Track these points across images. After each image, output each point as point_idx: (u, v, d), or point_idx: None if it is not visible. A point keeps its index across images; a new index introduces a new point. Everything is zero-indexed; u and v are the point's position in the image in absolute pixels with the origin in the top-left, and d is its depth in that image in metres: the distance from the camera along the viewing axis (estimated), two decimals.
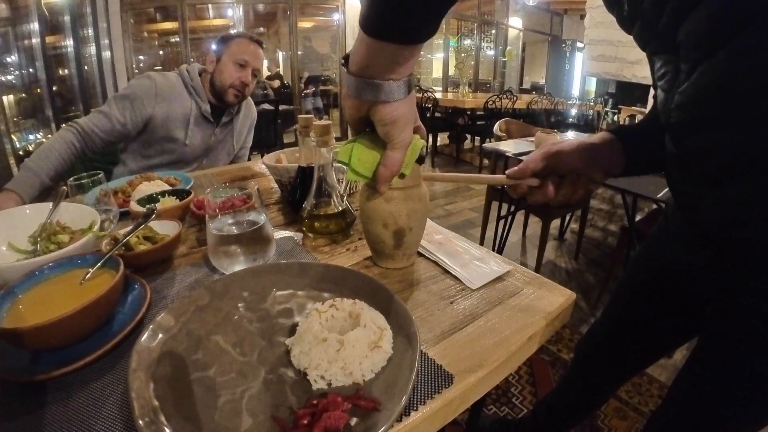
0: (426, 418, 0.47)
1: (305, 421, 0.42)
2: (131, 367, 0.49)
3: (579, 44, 9.66)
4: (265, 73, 9.28)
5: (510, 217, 2.67)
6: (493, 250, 2.70)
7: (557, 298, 0.69)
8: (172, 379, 0.50)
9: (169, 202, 1.00)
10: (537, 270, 2.63)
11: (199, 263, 0.81)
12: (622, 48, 5.30)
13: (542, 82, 10.99)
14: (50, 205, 0.89)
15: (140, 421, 0.42)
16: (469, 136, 6.69)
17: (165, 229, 0.86)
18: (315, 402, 0.45)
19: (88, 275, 0.63)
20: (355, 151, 0.56)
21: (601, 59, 5.64)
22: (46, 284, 0.63)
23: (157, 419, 0.43)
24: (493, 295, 0.70)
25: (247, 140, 1.99)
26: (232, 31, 1.65)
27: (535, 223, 3.23)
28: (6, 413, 0.49)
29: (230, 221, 0.75)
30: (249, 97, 1.87)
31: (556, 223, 3.33)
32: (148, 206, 0.86)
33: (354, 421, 0.43)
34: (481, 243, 2.94)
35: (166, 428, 0.42)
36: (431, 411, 0.48)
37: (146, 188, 1.15)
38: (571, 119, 6.34)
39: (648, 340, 0.98)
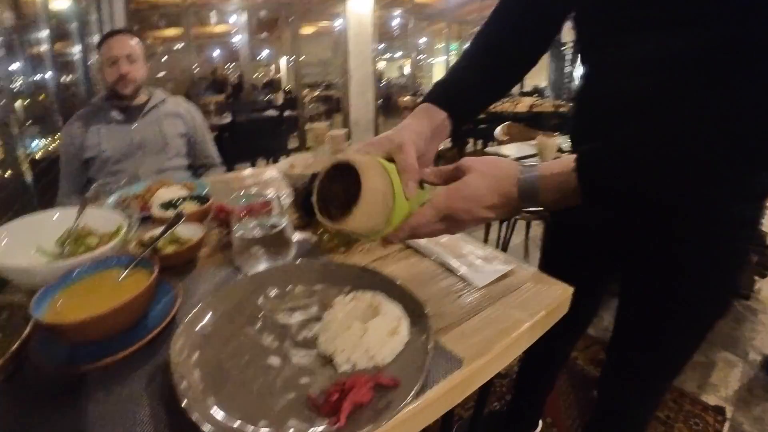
0: (439, 396, 0.53)
1: (334, 398, 0.48)
2: (173, 355, 0.54)
3: None
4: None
5: (513, 220, 2.71)
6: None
7: (556, 291, 0.75)
8: (211, 364, 0.56)
9: (190, 207, 1.06)
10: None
11: (222, 264, 0.87)
12: None
13: (543, 84, 11.03)
14: (76, 210, 0.93)
15: (185, 399, 0.47)
16: (471, 140, 6.73)
17: (187, 232, 0.91)
18: (342, 382, 0.51)
19: (123, 275, 0.67)
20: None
21: None
22: (83, 283, 0.67)
23: (204, 399, 0.49)
24: (497, 290, 0.75)
25: (204, 148, 2.10)
26: None
27: (537, 225, 3.28)
28: (51, 402, 0.53)
29: (252, 225, 0.81)
30: (179, 97, 2.08)
31: None
32: (177, 210, 0.91)
33: (376, 397, 0.49)
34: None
35: (212, 407, 0.48)
36: (443, 390, 0.53)
37: (165, 194, 1.20)
38: None
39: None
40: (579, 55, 0.91)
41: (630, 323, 1.00)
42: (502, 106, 5.64)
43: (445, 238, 0.95)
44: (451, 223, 0.63)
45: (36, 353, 0.57)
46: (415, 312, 0.62)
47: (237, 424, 0.47)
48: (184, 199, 1.11)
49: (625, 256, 0.98)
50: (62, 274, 0.66)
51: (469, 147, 6.72)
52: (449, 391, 0.54)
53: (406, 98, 6.92)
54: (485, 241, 3.02)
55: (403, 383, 0.51)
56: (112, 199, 1.31)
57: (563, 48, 10.61)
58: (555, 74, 10.94)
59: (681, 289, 0.86)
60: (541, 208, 0.65)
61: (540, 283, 0.78)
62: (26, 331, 0.59)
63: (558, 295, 0.73)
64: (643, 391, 1.05)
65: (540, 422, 1.66)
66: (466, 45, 0.86)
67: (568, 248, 1.15)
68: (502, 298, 0.73)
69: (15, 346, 0.57)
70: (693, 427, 1.68)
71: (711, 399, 1.82)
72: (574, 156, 0.59)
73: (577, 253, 1.11)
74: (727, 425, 1.69)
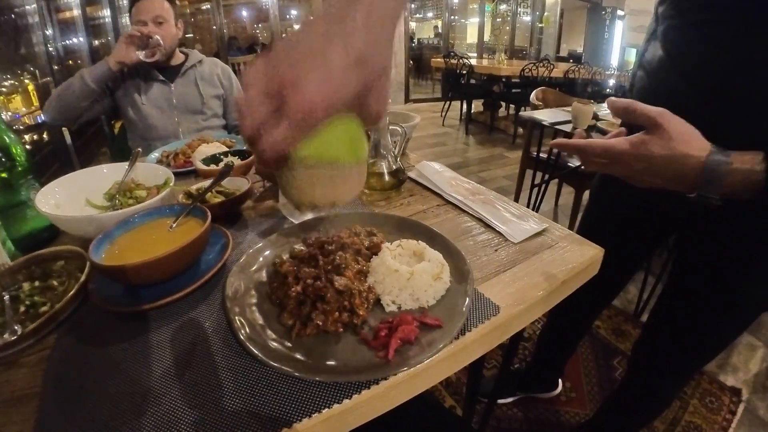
0: (477, 338, 0.56)
1: (383, 333, 0.52)
2: (229, 294, 0.59)
3: (620, 12, 9.32)
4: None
5: (543, 186, 2.69)
6: None
7: (588, 251, 0.77)
8: (267, 304, 0.60)
9: (234, 161, 1.09)
10: None
11: (267, 213, 0.91)
12: None
13: (580, 50, 10.66)
14: (125, 165, 0.97)
15: (242, 332, 0.52)
16: (503, 104, 6.61)
17: (232, 184, 0.95)
18: (390, 320, 0.55)
19: (176, 223, 0.71)
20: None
21: (642, 30, 5.44)
22: (138, 230, 0.71)
23: (260, 333, 0.54)
24: (531, 246, 0.78)
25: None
26: None
27: (567, 193, 3.25)
28: (108, 341, 0.57)
29: None
30: (214, 58, 2.09)
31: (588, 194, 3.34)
32: (226, 162, 0.94)
33: (421, 336, 0.53)
34: None
35: (267, 340, 0.53)
36: (482, 333, 0.57)
37: (206, 149, 1.24)
38: (608, 90, 6.18)
39: (613, 264, 0.95)
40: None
41: (678, 304, 0.98)
42: (537, 70, 5.50)
43: (480, 195, 0.97)
44: (614, 169, 0.65)
45: (96, 295, 0.61)
46: (455, 260, 0.65)
47: (291, 353, 0.51)
48: (226, 154, 1.15)
49: (686, 237, 0.95)
50: (117, 223, 0.70)
51: (502, 111, 6.60)
52: (488, 334, 0.58)
53: (439, 59, 6.80)
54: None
55: (446, 324, 0.54)
56: (153, 155, 1.35)
57: (603, 12, 10.20)
58: (592, 39, 10.55)
59: (747, 281, 0.84)
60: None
61: (573, 243, 0.79)
62: (84, 276, 0.65)
63: (591, 255, 0.75)
64: (678, 371, 1.05)
65: (560, 382, 1.71)
66: None
67: (611, 216, 1.12)
68: (537, 254, 0.75)
69: (74, 289, 0.63)
70: (708, 405, 1.70)
71: (729, 380, 1.83)
72: (763, 154, 0.55)
73: (619, 223, 1.09)
74: (741, 407, 1.70)
